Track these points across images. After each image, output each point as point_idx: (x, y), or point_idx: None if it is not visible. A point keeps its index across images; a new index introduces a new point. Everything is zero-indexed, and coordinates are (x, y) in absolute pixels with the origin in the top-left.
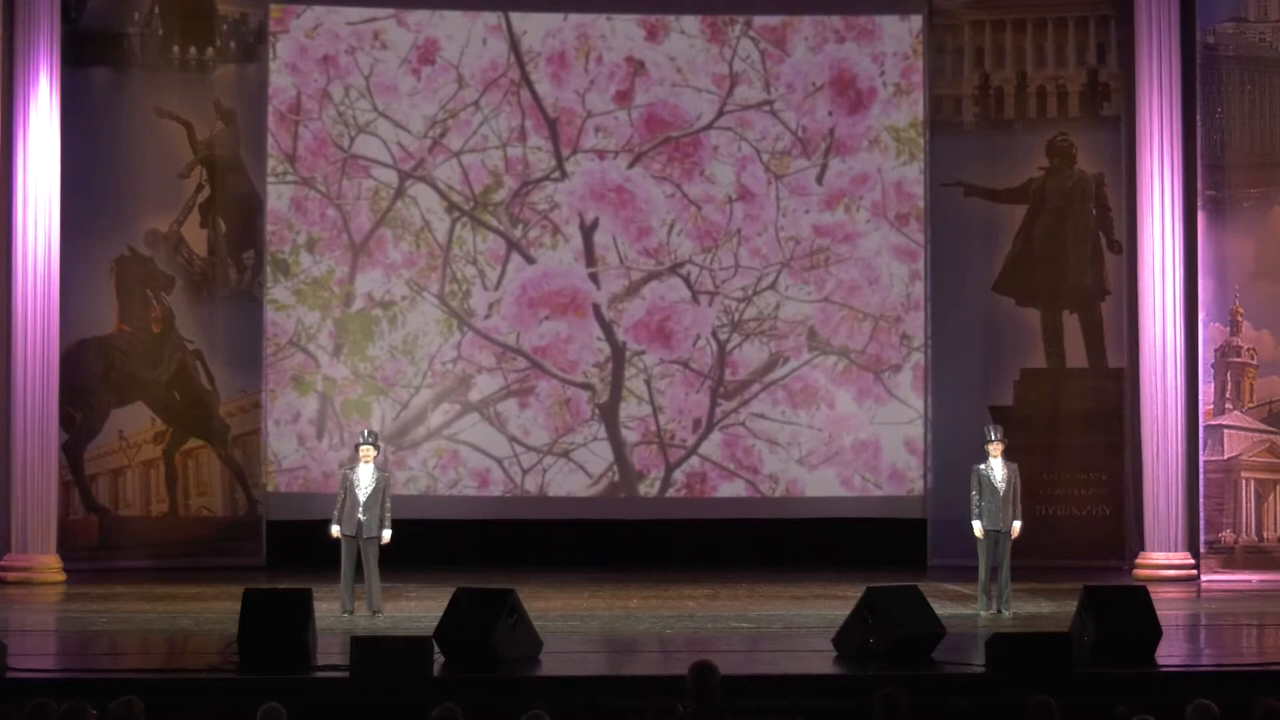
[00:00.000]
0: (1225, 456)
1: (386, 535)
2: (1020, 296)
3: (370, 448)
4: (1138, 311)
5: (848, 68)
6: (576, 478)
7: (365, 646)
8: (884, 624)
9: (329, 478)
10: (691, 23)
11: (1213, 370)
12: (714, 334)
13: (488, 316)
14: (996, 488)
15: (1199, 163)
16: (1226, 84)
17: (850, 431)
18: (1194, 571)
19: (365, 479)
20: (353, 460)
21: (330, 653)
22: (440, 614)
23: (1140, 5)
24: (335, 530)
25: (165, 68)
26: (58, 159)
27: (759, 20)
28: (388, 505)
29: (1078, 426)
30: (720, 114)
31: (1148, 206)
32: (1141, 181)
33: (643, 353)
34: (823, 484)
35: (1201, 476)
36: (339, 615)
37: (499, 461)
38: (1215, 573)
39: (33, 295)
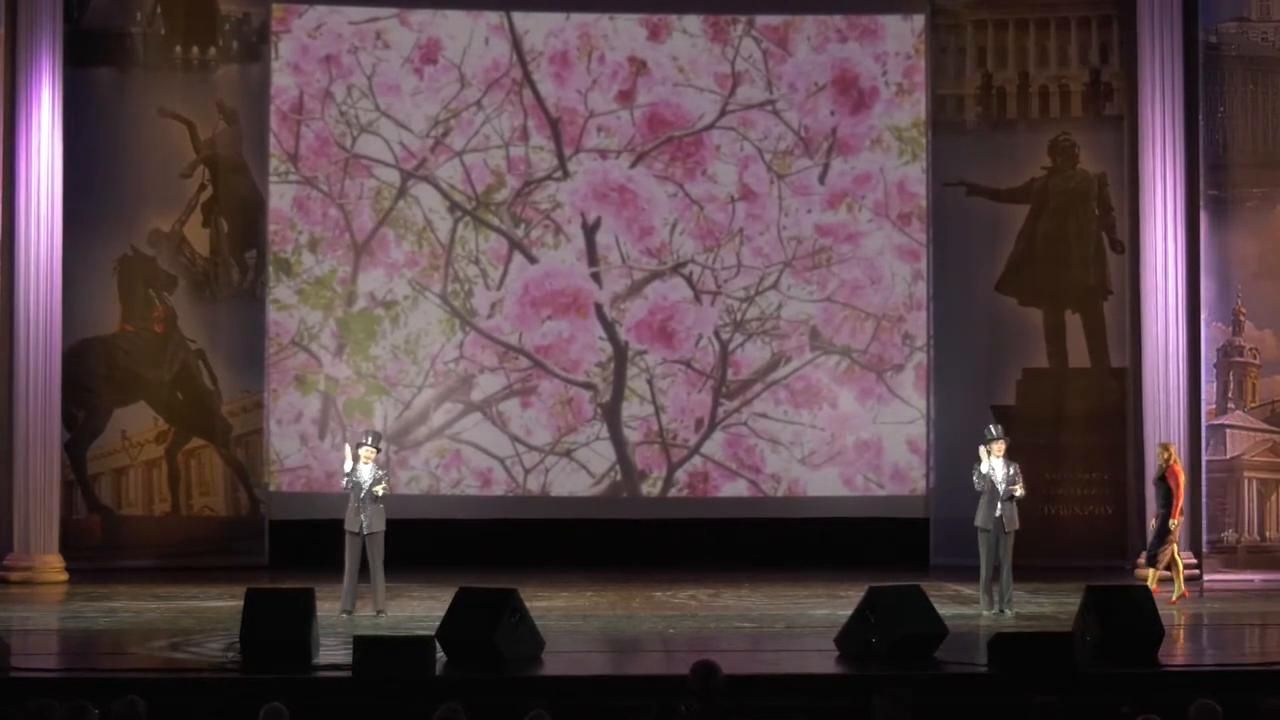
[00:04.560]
0: (1228, 456)
1: (381, 489)
2: (1023, 296)
3: (370, 449)
4: (1140, 311)
5: (850, 67)
6: (579, 477)
7: (368, 646)
8: (886, 624)
9: (331, 477)
10: (694, 22)
11: (1215, 370)
12: (716, 334)
13: (490, 316)
14: (997, 487)
15: (1201, 162)
16: (1229, 84)
17: (852, 431)
18: (1197, 571)
19: (367, 478)
20: (357, 455)
21: (333, 652)
22: (442, 614)
23: (1142, 5)
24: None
25: (167, 67)
26: (60, 159)
27: (761, 20)
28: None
29: (1080, 426)
30: (722, 114)
31: (1150, 206)
32: (1144, 181)
33: (645, 352)
34: (825, 484)
35: (1204, 476)
36: (339, 615)
37: (501, 461)
38: (1218, 572)
39: (35, 294)
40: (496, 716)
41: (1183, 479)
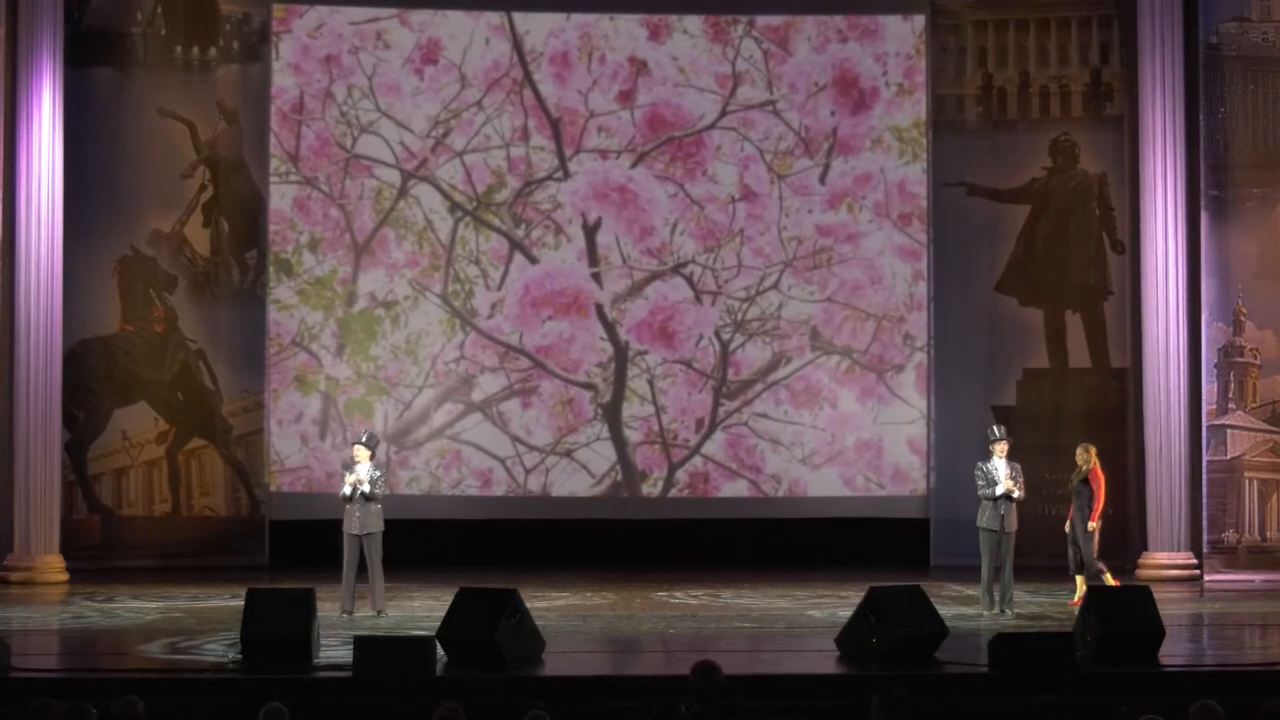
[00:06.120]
0: (1228, 456)
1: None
2: (1023, 296)
3: (362, 449)
4: (1140, 311)
5: (850, 68)
6: (579, 477)
7: (368, 646)
8: (887, 624)
9: (332, 478)
10: (694, 22)
11: (1215, 370)
12: (717, 334)
13: (490, 316)
14: (1000, 488)
15: (1202, 162)
16: (1229, 84)
17: (853, 431)
18: (1197, 571)
19: (364, 478)
20: (351, 461)
21: (333, 652)
22: (443, 614)
23: (1143, 5)
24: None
25: (168, 68)
26: (61, 159)
27: (762, 20)
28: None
29: (1081, 426)
30: (723, 114)
31: (1151, 206)
32: (1144, 181)
33: (645, 352)
34: (825, 484)
35: (1205, 476)
36: (339, 616)
37: (502, 461)
38: (1218, 572)
39: (36, 295)
40: (496, 716)
41: (1104, 481)
